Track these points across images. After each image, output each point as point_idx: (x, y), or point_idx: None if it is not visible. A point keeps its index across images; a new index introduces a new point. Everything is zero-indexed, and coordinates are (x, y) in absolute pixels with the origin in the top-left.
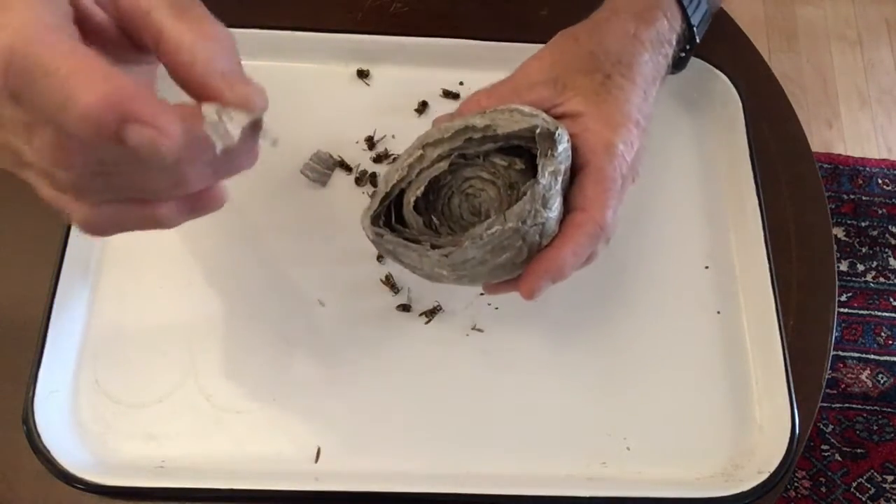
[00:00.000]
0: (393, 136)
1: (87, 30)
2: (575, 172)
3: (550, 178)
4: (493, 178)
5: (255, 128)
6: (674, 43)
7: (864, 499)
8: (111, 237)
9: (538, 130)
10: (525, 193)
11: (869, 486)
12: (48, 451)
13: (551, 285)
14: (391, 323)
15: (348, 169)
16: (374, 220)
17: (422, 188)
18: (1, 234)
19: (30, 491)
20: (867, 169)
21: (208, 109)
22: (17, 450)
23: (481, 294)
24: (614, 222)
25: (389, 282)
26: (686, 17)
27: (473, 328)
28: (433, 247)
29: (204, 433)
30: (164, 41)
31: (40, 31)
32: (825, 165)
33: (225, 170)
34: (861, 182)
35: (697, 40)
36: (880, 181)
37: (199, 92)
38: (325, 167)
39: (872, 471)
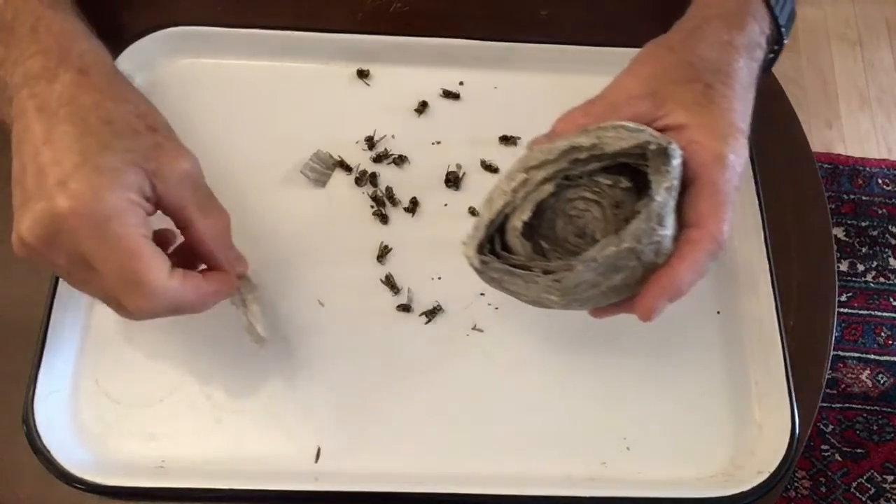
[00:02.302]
0: (393, 136)
1: None
2: (684, 187)
3: (666, 194)
4: (598, 198)
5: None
6: (764, 45)
7: (864, 499)
8: None
9: (651, 147)
10: (639, 212)
11: (869, 486)
12: (48, 451)
13: (669, 305)
14: (391, 323)
15: (348, 169)
16: (480, 249)
17: (528, 212)
18: (1, 234)
19: (30, 491)
20: (867, 169)
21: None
22: (17, 450)
23: (482, 294)
24: (729, 236)
25: (389, 282)
26: (774, 18)
27: (473, 328)
28: (545, 272)
29: (204, 433)
30: (191, 231)
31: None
32: (825, 165)
33: None
34: (861, 182)
35: (786, 40)
36: (880, 181)
37: (207, 261)
38: (324, 167)
39: (872, 471)
